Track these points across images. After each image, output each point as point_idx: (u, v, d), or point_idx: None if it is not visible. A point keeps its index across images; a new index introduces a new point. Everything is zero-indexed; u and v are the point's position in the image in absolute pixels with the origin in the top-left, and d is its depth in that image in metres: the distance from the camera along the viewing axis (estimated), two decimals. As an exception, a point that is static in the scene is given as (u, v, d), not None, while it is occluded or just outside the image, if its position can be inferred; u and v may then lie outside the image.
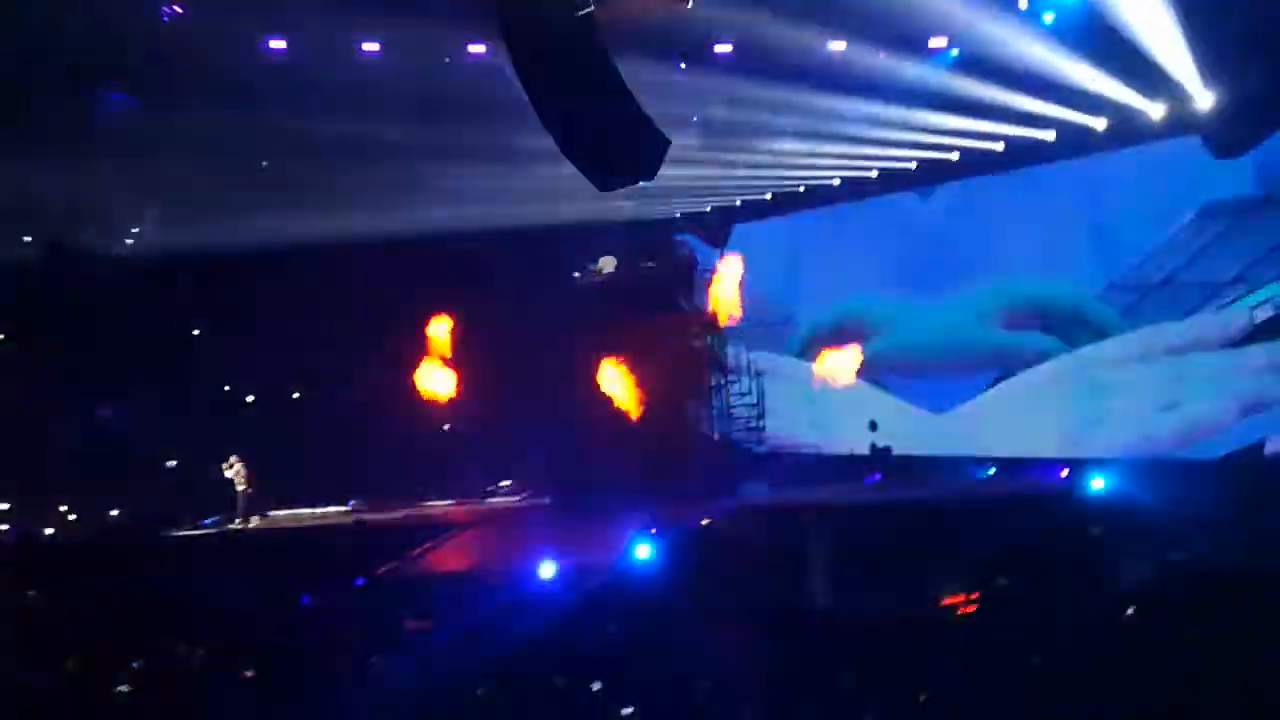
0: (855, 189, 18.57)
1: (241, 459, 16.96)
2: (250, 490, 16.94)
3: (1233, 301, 15.11)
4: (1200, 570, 12.12)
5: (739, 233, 20.42)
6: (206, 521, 16.73)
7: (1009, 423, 17.51)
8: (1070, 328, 17.01)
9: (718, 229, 20.22)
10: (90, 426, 18.03)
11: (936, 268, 18.28)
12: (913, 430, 17.94)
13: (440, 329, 17.90)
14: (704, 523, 14.82)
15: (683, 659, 10.57)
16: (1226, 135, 14.84)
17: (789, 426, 19.23)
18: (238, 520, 16.79)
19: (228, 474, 16.95)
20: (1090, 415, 16.69)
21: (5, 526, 16.98)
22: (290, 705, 8.89)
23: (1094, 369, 16.64)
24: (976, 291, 17.90)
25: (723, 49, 17.42)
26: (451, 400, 18.22)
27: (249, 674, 9.63)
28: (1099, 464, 15.57)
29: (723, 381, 18.23)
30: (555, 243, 18.15)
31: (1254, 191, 14.83)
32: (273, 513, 17.72)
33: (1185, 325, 15.59)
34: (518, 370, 17.19)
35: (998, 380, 17.74)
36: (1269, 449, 14.81)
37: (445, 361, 17.76)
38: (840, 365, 16.14)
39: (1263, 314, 14.88)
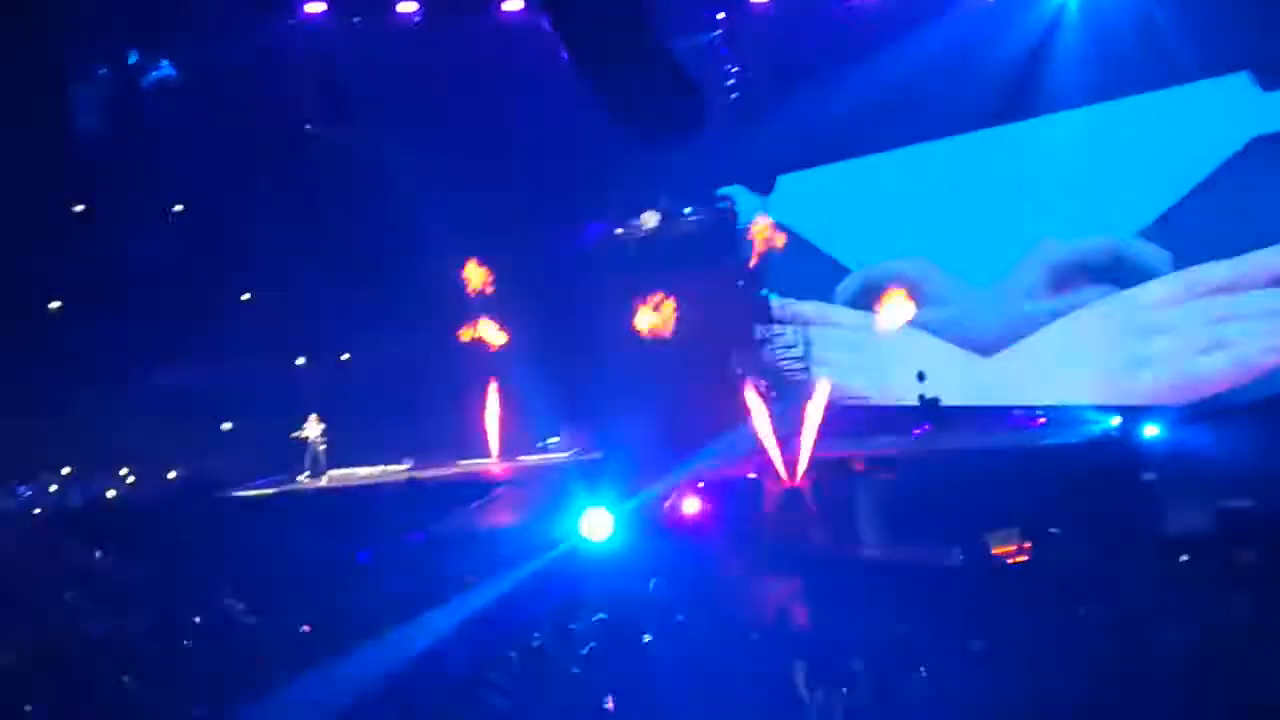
0: (898, 134, 18.27)
1: (320, 419, 17.31)
2: (324, 446, 17.30)
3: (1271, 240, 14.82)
4: (1256, 516, 11.97)
5: (787, 182, 20.25)
6: (261, 481, 17.05)
7: (1055, 367, 17.31)
8: (1115, 272, 16.72)
9: (763, 179, 20.04)
10: (149, 389, 18.40)
11: (981, 222, 18.00)
12: (960, 376, 17.81)
13: (476, 275, 17.98)
14: (750, 476, 14.87)
15: (734, 610, 10.66)
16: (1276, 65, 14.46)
17: (838, 376, 19.14)
18: (307, 476, 17.13)
19: (307, 433, 17.38)
20: (1137, 357, 16.45)
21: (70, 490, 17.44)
22: (344, 659, 9.08)
23: (1139, 311, 16.39)
24: (1021, 256, 17.63)
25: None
26: (500, 355, 18.38)
27: (305, 629, 9.86)
28: (1152, 411, 15.39)
29: (767, 334, 18.16)
30: (599, 195, 18.13)
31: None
32: (330, 471, 18.03)
33: (1231, 264, 15.28)
34: (564, 325, 17.26)
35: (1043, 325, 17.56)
36: None
37: (490, 316, 17.87)
38: (894, 315, 15.95)
39: None
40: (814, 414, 14.52)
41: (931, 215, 18.50)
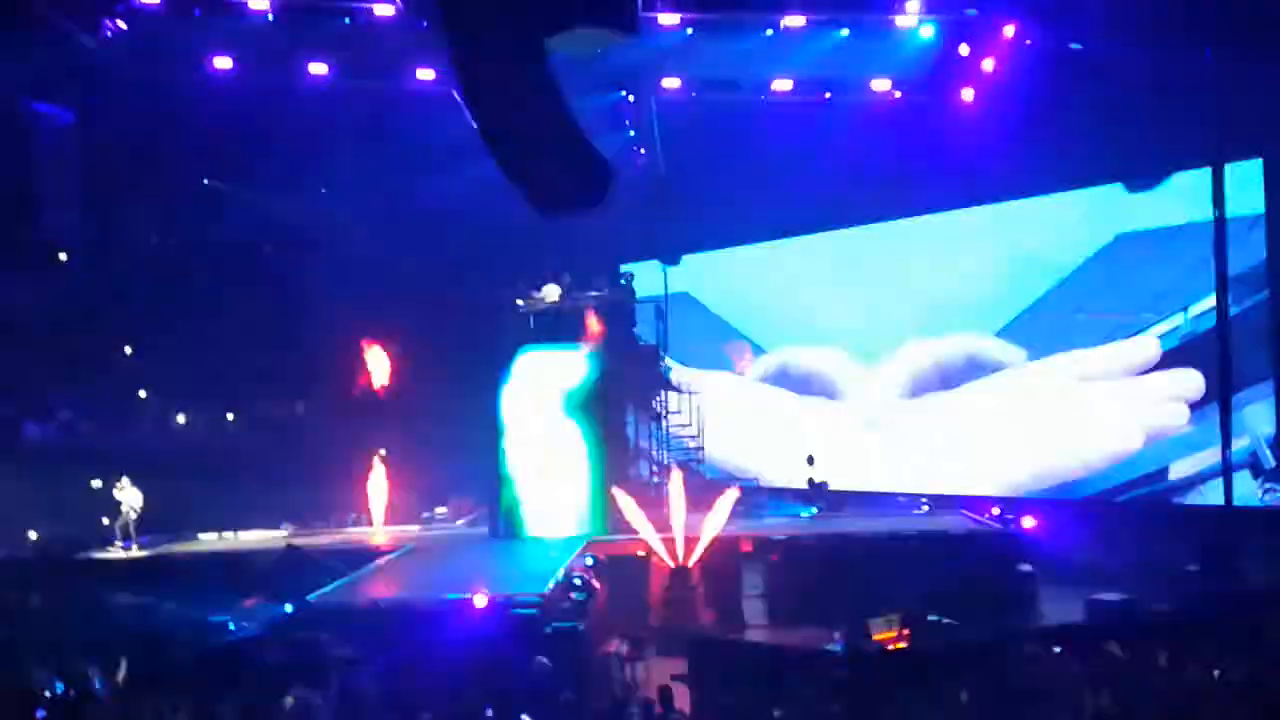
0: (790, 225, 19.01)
1: (132, 484, 16.39)
2: (136, 515, 16.33)
3: (1140, 330, 15.75)
4: (1126, 610, 12.38)
5: (692, 261, 20.71)
6: (127, 543, 16.27)
7: (927, 445, 18.07)
8: (970, 371, 17.65)
9: (668, 255, 20.47)
10: (14, 443, 17.57)
11: (869, 311, 18.83)
12: (843, 441, 18.72)
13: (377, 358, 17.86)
14: (639, 554, 14.81)
15: (615, 689, 10.51)
16: (1140, 169, 15.58)
17: (729, 454, 19.54)
18: (119, 544, 16.20)
19: (118, 495, 16.31)
20: (1005, 439, 17.24)
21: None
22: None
23: (1009, 395, 17.15)
24: (893, 349, 18.63)
25: (670, 83, 17.68)
26: (389, 420, 18.13)
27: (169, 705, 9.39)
28: (1030, 502, 15.91)
29: (663, 406, 18.35)
30: (499, 268, 18.15)
31: (1165, 223, 15.53)
32: (203, 535, 17.36)
33: (1097, 353, 16.21)
34: (460, 395, 17.08)
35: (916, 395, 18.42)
36: (1172, 475, 15.38)
37: (379, 388, 17.70)
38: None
39: (1169, 343, 15.53)
40: (720, 512, 14.67)
41: (824, 301, 19.22)
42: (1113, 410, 15.98)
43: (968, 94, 17.23)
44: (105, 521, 16.23)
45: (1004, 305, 17.30)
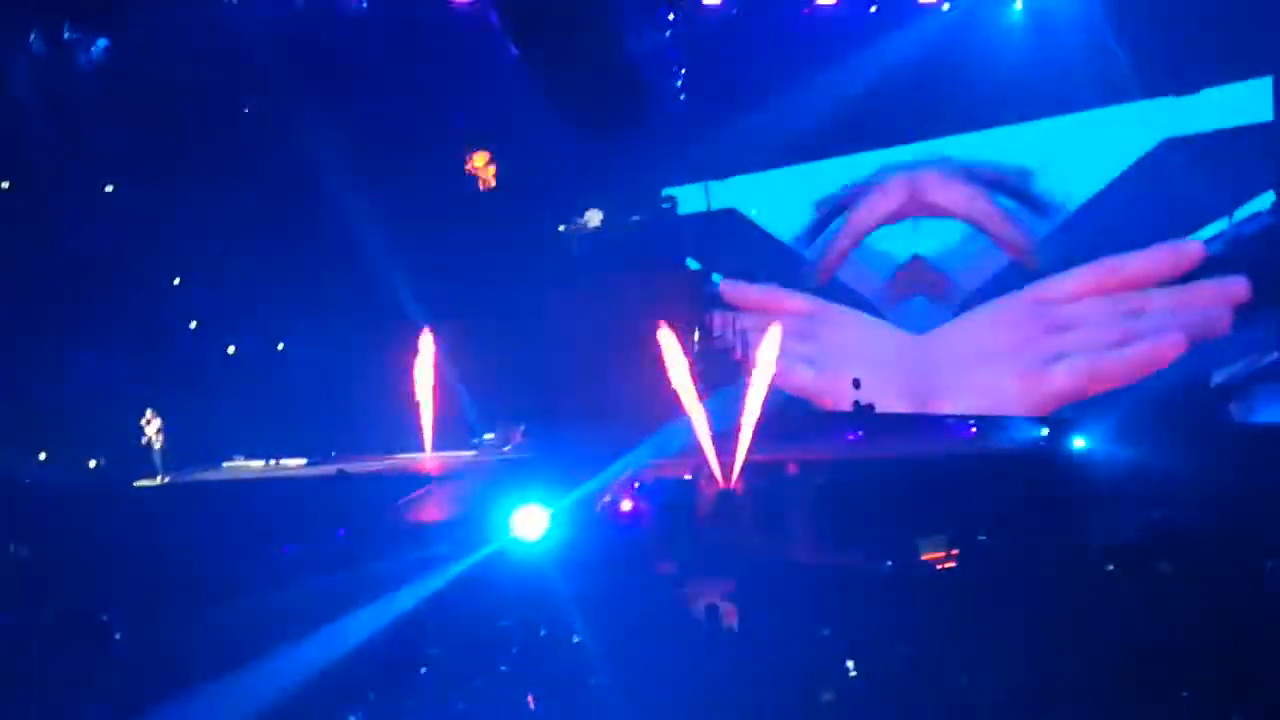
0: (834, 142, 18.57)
1: (158, 414, 16.62)
2: (163, 446, 16.62)
3: (1186, 235, 15.40)
4: (1177, 528, 12.24)
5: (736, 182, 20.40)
6: (186, 470, 16.61)
7: (972, 352, 17.66)
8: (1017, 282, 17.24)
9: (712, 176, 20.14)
10: (73, 372, 17.88)
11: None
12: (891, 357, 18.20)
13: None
14: (686, 477, 14.87)
15: (664, 613, 10.63)
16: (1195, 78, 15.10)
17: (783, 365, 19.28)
18: (158, 477, 16.53)
19: (147, 429, 16.65)
20: (1049, 348, 16.89)
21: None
22: (267, 658, 8.89)
23: (1051, 302, 16.83)
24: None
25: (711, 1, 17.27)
26: (437, 348, 18.19)
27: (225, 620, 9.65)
28: (1080, 422, 15.72)
29: (709, 335, 18.24)
30: (541, 194, 18.04)
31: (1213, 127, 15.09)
32: (254, 462, 17.66)
33: (1141, 257, 15.86)
34: (502, 320, 17.12)
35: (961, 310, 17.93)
36: (1214, 381, 15.08)
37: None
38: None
39: (1214, 248, 15.17)
40: (751, 412, 14.56)
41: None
42: (1156, 315, 15.69)
43: (1018, 3, 16.65)
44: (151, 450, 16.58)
45: (1047, 214, 16.89)
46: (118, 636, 9.72)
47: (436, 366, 18.34)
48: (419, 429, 18.30)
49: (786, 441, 15.91)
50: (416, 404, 18.32)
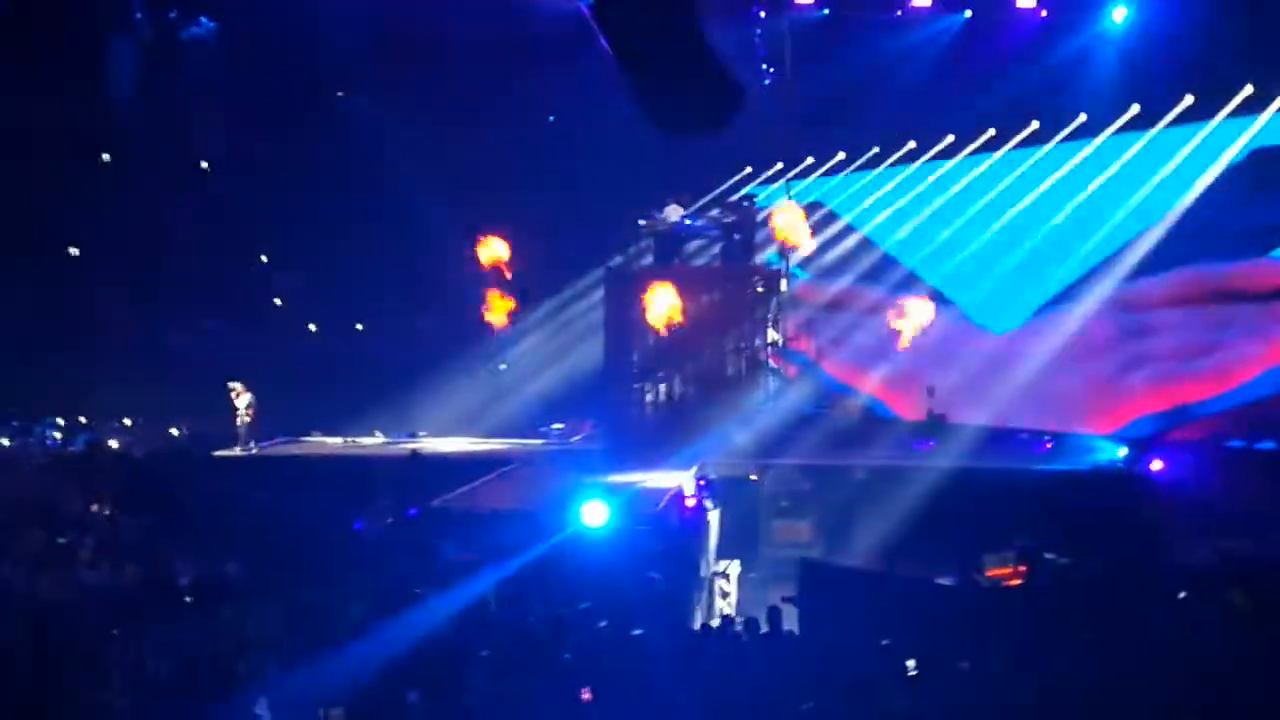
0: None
1: (248, 386, 17.00)
2: (252, 418, 16.98)
3: (1273, 249, 14.97)
4: (1254, 558, 11.92)
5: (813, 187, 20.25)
6: (249, 444, 17.02)
7: (1052, 353, 17.39)
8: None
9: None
10: (160, 346, 18.45)
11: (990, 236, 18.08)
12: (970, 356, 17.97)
13: (497, 249, 17.70)
14: (752, 477, 14.85)
15: (724, 607, 10.65)
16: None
17: (855, 359, 19.09)
18: (240, 448, 16.89)
19: (235, 401, 16.90)
20: (1133, 353, 16.51)
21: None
22: (329, 628, 9.10)
23: (1133, 310, 16.47)
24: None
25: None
26: (513, 337, 18.39)
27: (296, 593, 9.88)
28: (1158, 444, 15.37)
29: (781, 336, 18.13)
30: (621, 186, 18.13)
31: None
32: (332, 439, 18.04)
33: (1227, 270, 15.42)
34: (578, 311, 17.25)
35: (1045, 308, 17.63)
36: None
37: (505, 293, 17.69)
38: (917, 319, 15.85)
39: None
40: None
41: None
42: (1240, 329, 15.28)
43: (1118, 13, 16.32)
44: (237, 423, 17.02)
45: (1133, 224, 16.53)
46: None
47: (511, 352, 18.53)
48: (489, 414, 18.52)
49: (857, 447, 15.81)
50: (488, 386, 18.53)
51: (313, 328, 19.97)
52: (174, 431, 18.17)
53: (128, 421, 18.35)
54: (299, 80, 17.86)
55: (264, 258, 19.54)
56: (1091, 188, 17.09)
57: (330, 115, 18.74)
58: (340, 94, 18.92)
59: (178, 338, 18.42)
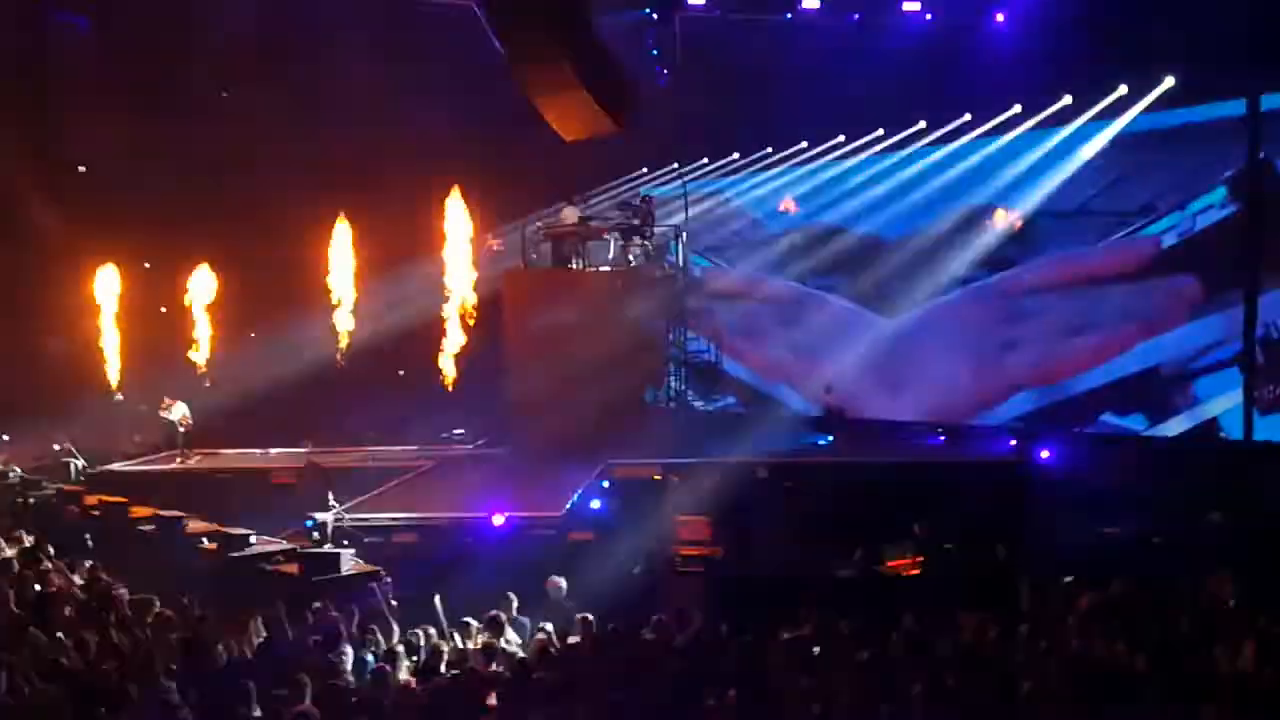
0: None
1: (180, 399, 16.61)
2: (188, 430, 16.67)
3: (1140, 229, 15.65)
4: (1135, 542, 12.46)
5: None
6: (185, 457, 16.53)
7: (934, 342, 18.02)
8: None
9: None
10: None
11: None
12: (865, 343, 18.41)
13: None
14: (655, 477, 14.89)
15: (630, 613, 10.68)
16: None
17: (770, 349, 19.51)
18: (178, 459, 16.54)
19: (165, 415, 16.57)
20: (1005, 339, 17.26)
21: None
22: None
23: (1009, 296, 17.18)
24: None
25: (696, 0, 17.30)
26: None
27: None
28: (1046, 435, 15.91)
29: (682, 334, 18.28)
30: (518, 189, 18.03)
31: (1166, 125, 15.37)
32: (223, 451, 17.52)
33: (1096, 252, 16.03)
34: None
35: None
36: (1164, 372, 15.53)
37: None
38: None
39: (1167, 241, 15.47)
40: None
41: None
42: (1109, 310, 15.98)
43: (999, 17, 16.80)
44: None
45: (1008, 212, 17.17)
46: None
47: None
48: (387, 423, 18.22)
49: (757, 443, 15.96)
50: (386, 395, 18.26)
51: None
52: (56, 446, 17.42)
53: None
54: (177, 75, 17.27)
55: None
56: (955, 179, 17.62)
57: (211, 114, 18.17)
58: (224, 93, 18.42)
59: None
